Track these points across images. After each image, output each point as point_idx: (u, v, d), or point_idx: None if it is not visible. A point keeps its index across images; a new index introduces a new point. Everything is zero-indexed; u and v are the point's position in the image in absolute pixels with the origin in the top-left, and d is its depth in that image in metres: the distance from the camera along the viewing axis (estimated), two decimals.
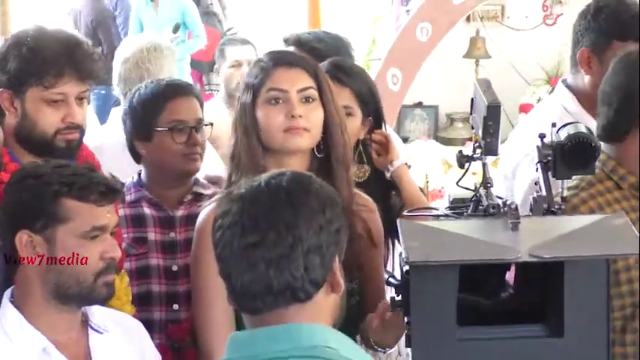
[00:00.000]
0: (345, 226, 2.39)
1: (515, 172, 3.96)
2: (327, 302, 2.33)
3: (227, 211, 2.31)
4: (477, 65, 6.45)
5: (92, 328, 2.83)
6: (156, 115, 3.67)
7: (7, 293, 2.79)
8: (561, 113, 4.09)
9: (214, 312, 3.09)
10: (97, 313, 2.84)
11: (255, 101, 3.08)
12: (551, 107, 4.29)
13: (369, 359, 2.45)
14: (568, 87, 4.17)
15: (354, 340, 3.24)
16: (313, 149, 3.11)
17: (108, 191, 2.77)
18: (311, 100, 3.09)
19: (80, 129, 3.26)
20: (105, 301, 2.82)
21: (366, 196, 3.29)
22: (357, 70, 4.00)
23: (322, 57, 4.05)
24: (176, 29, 10.74)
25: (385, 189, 3.81)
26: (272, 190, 2.29)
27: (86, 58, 3.27)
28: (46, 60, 3.22)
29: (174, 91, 3.74)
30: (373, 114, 3.92)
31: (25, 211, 2.73)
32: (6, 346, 2.68)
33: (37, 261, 2.69)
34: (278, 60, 3.13)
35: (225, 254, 2.31)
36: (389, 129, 4.23)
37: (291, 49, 4.19)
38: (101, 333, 2.83)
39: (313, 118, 3.07)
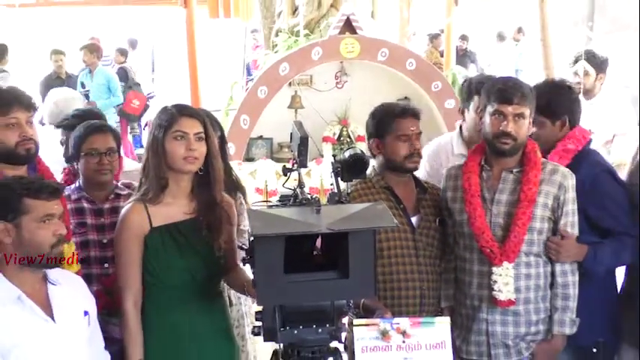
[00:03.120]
0: None
1: None
2: None
3: None
4: (295, 112, 6.44)
5: (49, 282, 2.77)
6: (81, 145, 3.61)
7: None
8: (448, 140, 4.31)
9: (128, 269, 3.05)
10: (52, 271, 2.78)
11: (164, 136, 3.02)
12: (446, 137, 4.47)
13: None
14: (460, 128, 4.23)
15: (220, 283, 3.27)
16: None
17: (54, 191, 2.73)
18: (200, 139, 3.05)
19: (33, 141, 3.19)
20: (57, 265, 2.77)
21: (228, 196, 3.27)
22: (216, 121, 3.92)
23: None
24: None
25: (229, 184, 3.80)
26: None
27: (26, 98, 3.22)
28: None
29: (92, 129, 3.68)
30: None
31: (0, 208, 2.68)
32: None
33: (10, 240, 2.65)
34: (182, 111, 3.07)
35: None
36: None
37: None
38: (55, 285, 2.77)
39: (201, 150, 3.03)
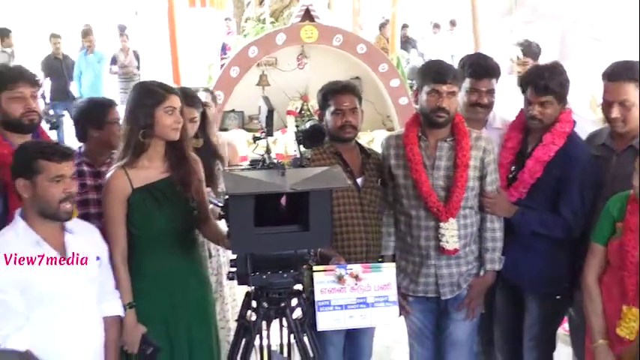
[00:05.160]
0: None
1: None
2: None
3: None
4: (263, 89, 6.40)
5: (67, 230, 2.78)
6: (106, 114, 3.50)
7: (18, 211, 2.74)
8: None
9: (114, 227, 3.02)
10: (70, 222, 2.79)
11: (155, 110, 2.98)
12: None
13: None
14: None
15: (195, 232, 3.24)
16: None
17: (65, 154, 2.72)
18: (181, 112, 3.05)
19: (36, 113, 3.15)
20: (66, 219, 2.76)
21: (195, 155, 3.24)
22: (198, 99, 3.90)
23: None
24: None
25: (209, 153, 3.82)
26: None
27: (31, 75, 3.18)
28: (8, 75, 3.14)
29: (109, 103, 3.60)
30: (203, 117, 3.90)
31: (19, 167, 2.69)
32: (15, 240, 2.65)
33: (27, 195, 2.68)
34: (170, 90, 3.05)
35: None
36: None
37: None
38: (71, 233, 2.78)
39: (182, 121, 3.04)
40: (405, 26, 13.93)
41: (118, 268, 3.01)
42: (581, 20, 6.61)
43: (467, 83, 3.67)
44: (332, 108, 3.44)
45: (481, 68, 3.67)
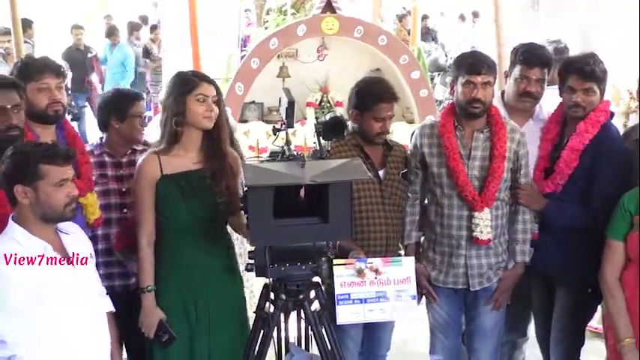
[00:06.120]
0: None
1: None
2: None
3: None
4: (283, 81, 6.37)
5: (61, 231, 2.69)
6: (130, 106, 3.50)
7: (11, 216, 2.62)
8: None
9: (142, 211, 3.05)
10: (61, 223, 2.69)
11: (187, 98, 3.00)
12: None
13: None
14: (502, 93, 3.75)
15: (226, 225, 3.25)
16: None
17: (67, 157, 2.62)
18: (215, 102, 3.05)
19: (61, 104, 3.14)
20: (71, 220, 2.70)
21: (232, 150, 3.24)
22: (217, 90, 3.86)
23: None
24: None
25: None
26: None
27: (57, 66, 3.17)
28: (34, 66, 3.13)
29: (134, 96, 3.61)
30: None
31: (18, 173, 2.56)
32: (18, 248, 2.53)
33: (28, 201, 2.55)
34: (203, 78, 3.07)
35: None
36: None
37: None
38: (67, 234, 2.71)
39: (216, 111, 3.04)
40: (425, 17, 13.84)
41: (142, 250, 3.03)
42: (604, 13, 6.54)
43: (517, 71, 3.59)
44: (372, 114, 3.39)
45: (534, 56, 3.60)
